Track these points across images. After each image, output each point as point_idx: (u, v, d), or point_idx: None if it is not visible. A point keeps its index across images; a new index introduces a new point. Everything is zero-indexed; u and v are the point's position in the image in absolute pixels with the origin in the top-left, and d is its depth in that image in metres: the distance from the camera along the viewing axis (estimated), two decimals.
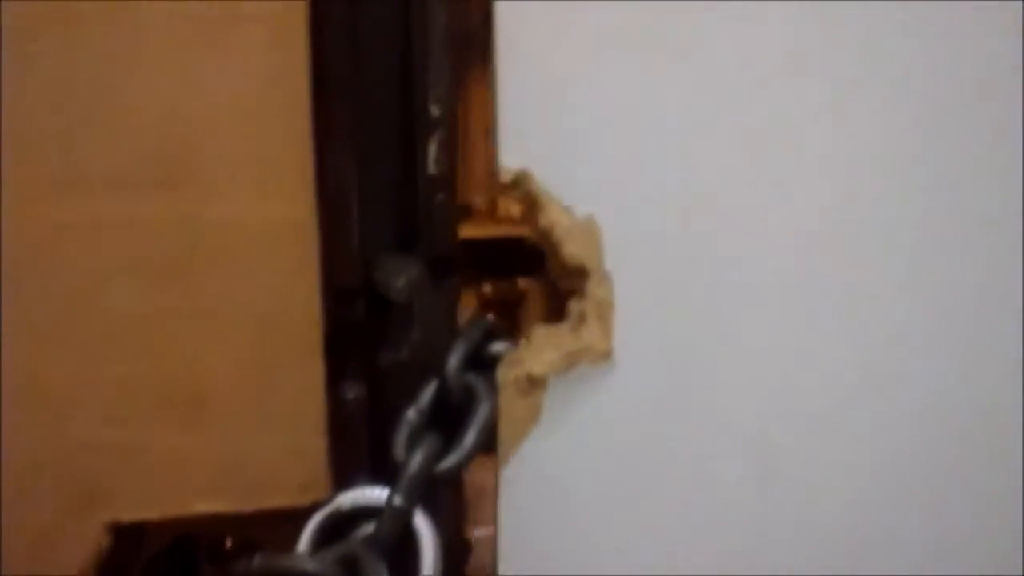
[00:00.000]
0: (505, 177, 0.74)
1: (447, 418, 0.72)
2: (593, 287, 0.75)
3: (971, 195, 0.74)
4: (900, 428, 0.77)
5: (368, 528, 0.68)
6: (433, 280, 0.75)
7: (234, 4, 0.65)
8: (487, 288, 0.85)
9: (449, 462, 0.69)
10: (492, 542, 0.74)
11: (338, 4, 0.69)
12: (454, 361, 0.72)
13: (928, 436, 0.78)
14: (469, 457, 0.70)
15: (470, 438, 0.70)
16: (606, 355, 0.75)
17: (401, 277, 0.73)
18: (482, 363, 0.74)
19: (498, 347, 0.76)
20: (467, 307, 0.78)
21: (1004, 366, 0.77)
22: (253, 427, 0.68)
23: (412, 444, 0.69)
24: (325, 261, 0.68)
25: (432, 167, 0.73)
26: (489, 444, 0.73)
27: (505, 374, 0.74)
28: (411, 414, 0.70)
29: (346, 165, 0.70)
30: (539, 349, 0.75)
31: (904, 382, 0.77)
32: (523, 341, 0.76)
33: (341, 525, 0.68)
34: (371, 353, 0.73)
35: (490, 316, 0.79)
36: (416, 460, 0.68)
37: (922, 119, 0.73)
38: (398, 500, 0.67)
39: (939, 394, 0.77)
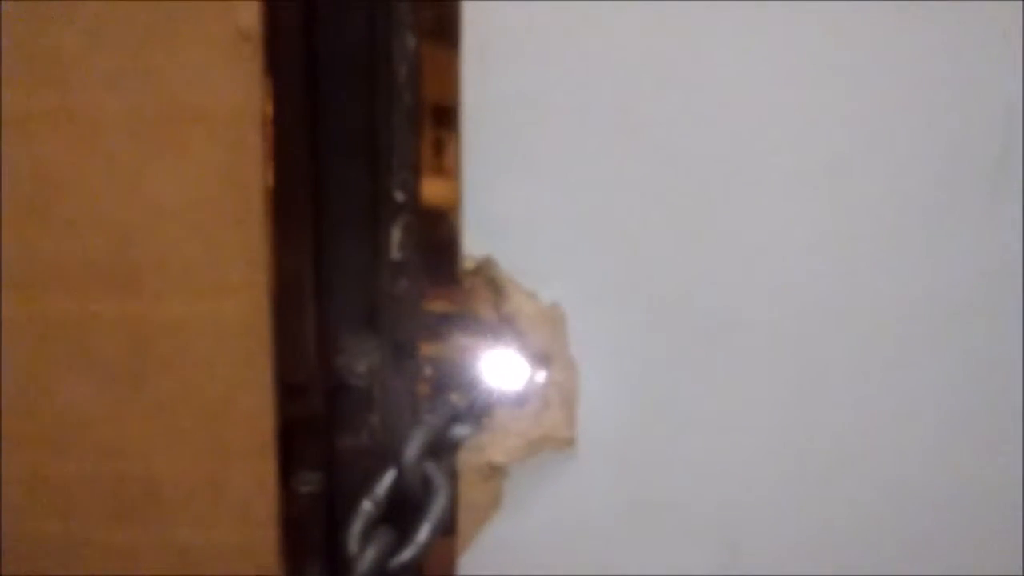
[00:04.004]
0: (469, 264, 0.73)
1: (405, 506, 0.71)
2: (557, 374, 0.75)
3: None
4: (871, 522, 0.76)
5: None
6: (394, 365, 0.73)
7: (185, 102, 0.64)
8: None
9: (403, 557, 0.69)
10: None
11: (299, 89, 0.68)
12: (412, 450, 0.71)
13: (901, 524, 0.76)
14: (423, 551, 0.69)
15: (424, 532, 0.69)
16: (569, 442, 0.75)
17: (362, 362, 0.72)
18: (443, 446, 0.74)
19: (460, 431, 0.75)
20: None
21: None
22: (204, 522, 0.67)
23: (366, 538, 0.68)
24: (278, 357, 0.67)
25: (396, 253, 0.72)
26: (447, 529, 0.72)
27: (466, 460, 0.74)
28: (366, 505, 0.70)
29: (301, 261, 0.69)
30: (501, 435, 0.74)
31: (874, 472, 0.75)
32: (487, 422, 0.75)
33: None
34: (328, 440, 0.72)
35: (453, 396, 0.75)
36: (368, 556, 0.68)
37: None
38: None
39: (911, 482, 0.76)
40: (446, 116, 0.71)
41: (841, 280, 0.72)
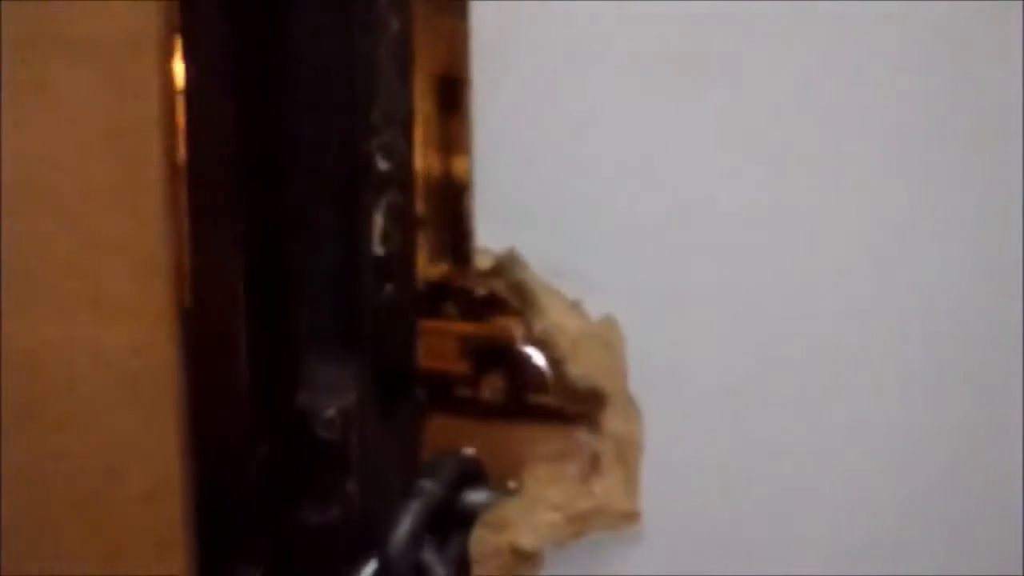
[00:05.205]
0: (483, 262, 0.60)
1: None
2: (612, 419, 0.61)
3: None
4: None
5: None
6: (380, 405, 0.59)
7: (60, 33, 0.50)
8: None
9: None
10: None
11: (220, 10, 0.54)
12: (403, 531, 0.57)
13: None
14: None
15: None
16: (630, 517, 0.61)
17: (332, 402, 0.58)
18: (449, 523, 0.59)
19: (475, 497, 0.61)
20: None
21: None
22: None
23: None
24: (195, 402, 0.52)
25: (378, 246, 0.58)
26: None
27: (484, 541, 0.61)
28: None
29: (230, 259, 0.54)
30: (534, 506, 0.61)
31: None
32: (512, 486, 0.61)
33: None
34: (280, 520, 0.57)
35: (467, 450, 0.62)
36: None
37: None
38: None
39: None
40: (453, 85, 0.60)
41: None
